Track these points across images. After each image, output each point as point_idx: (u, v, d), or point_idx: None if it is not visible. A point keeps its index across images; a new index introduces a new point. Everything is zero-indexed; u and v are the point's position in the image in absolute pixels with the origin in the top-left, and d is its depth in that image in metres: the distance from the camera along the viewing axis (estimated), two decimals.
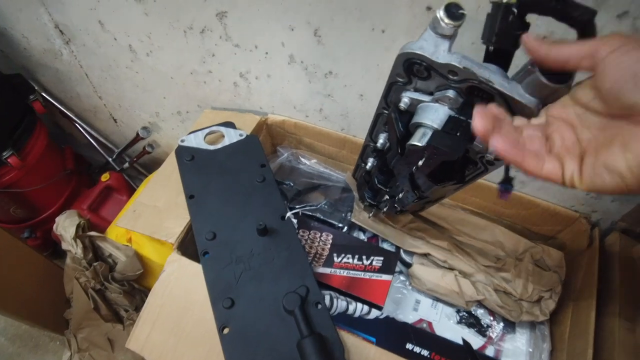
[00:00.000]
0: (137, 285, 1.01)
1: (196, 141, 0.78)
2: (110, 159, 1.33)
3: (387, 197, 0.66)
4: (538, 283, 0.73)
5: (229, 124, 0.81)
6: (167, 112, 1.05)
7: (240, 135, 0.78)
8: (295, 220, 0.66)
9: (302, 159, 0.88)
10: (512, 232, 0.79)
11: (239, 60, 0.77)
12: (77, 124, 1.31)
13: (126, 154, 1.33)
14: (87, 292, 1.03)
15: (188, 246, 0.71)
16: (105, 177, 1.25)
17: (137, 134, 1.12)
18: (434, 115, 0.41)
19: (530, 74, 0.34)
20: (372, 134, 0.58)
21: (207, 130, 0.79)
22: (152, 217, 0.73)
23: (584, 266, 0.68)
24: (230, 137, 0.78)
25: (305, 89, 0.75)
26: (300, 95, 0.78)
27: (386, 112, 0.50)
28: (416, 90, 0.43)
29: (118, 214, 1.16)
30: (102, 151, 1.34)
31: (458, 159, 0.45)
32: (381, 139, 0.55)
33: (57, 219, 1.02)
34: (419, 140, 0.41)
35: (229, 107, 0.90)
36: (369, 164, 0.65)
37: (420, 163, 0.42)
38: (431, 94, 0.42)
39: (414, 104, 0.43)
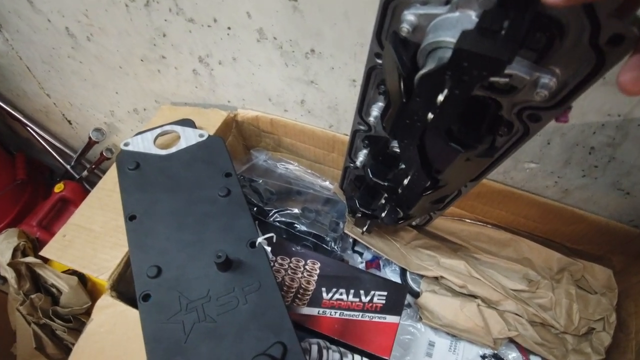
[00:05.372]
0: (86, 320, 0.84)
1: (144, 144, 0.61)
2: (68, 166, 1.16)
3: (385, 197, 0.49)
4: (585, 311, 0.57)
5: (187, 122, 0.64)
6: (123, 110, 0.88)
7: (201, 136, 0.61)
8: (269, 248, 0.50)
9: (282, 164, 0.71)
10: (540, 246, 0.63)
11: (195, 39, 0.60)
12: (28, 128, 1.13)
13: (85, 160, 1.15)
14: (30, 326, 0.86)
15: (130, 282, 0.54)
16: (59, 187, 1.07)
17: (90, 138, 0.95)
18: (455, 29, 0.25)
19: None
20: (362, 111, 0.42)
21: (158, 131, 0.62)
22: (84, 245, 0.56)
23: None
24: (188, 138, 0.61)
25: (281, 74, 0.59)
26: (275, 84, 0.61)
27: (380, 63, 0.35)
28: (423, 3, 0.28)
29: None
30: (58, 157, 1.17)
31: (490, 107, 0.30)
32: (375, 111, 0.40)
33: None
34: (437, 63, 0.26)
35: (191, 101, 0.73)
36: (360, 159, 0.49)
37: (440, 98, 0.26)
38: (447, 2, 0.27)
39: (422, 26, 0.28)
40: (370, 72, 0.36)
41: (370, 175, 0.44)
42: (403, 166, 0.39)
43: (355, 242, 0.68)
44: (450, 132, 0.29)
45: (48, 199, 1.09)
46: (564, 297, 0.57)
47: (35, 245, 0.93)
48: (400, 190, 0.41)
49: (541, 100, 0.27)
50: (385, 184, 0.44)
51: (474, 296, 0.59)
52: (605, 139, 0.47)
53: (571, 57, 0.26)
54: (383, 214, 0.52)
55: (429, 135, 0.32)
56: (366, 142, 0.45)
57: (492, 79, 0.26)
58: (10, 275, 0.78)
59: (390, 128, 0.34)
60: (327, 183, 0.71)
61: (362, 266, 0.67)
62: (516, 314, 0.56)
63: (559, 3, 0.19)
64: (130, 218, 0.53)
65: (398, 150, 0.44)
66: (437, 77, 0.25)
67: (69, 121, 1.07)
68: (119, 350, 0.47)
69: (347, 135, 0.63)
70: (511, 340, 0.59)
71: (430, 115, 0.28)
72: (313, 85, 0.58)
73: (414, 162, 0.35)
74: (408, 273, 0.63)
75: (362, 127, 0.43)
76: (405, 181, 0.39)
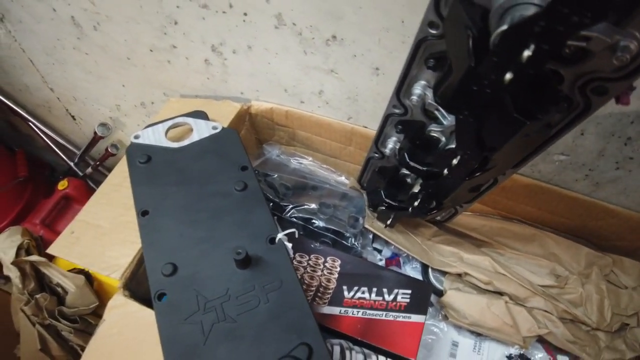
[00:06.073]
0: (94, 321, 0.82)
1: (155, 137, 0.59)
2: (72, 164, 1.13)
3: (420, 184, 0.47)
4: (617, 306, 0.55)
5: (199, 114, 0.61)
6: (129, 104, 0.85)
7: (214, 128, 0.59)
8: (289, 245, 0.47)
9: (295, 159, 0.68)
10: (567, 240, 0.61)
11: (209, 27, 0.57)
12: (30, 123, 1.11)
13: (89, 157, 1.13)
14: (35, 327, 0.83)
15: (141, 282, 0.52)
16: (62, 184, 1.05)
17: (95, 133, 0.92)
18: None
19: None
20: (402, 91, 0.40)
21: (169, 123, 0.60)
22: (92, 242, 0.54)
23: None
24: (201, 130, 0.59)
25: (299, 63, 0.56)
26: (292, 73, 0.58)
27: (434, 33, 0.32)
28: None
29: None
30: (61, 154, 1.14)
31: (550, 81, 0.29)
32: (417, 89, 0.38)
33: None
34: (519, 16, 0.23)
35: (202, 93, 0.71)
36: (390, 146, 0.47)
37: (527, 53, 0.23)
38: None
39: None
40: (419, 45, 0.34)
41: (408, 160, 0.42)
42: (450, 145, 0.37)
43: (373, 238, 0.66)
44: (515, 103, 0.27)
45: (51, 196, 1.06)
46: (595, 293, 0.54)
47: (39, 244, 0.91)
48: (446, 172, 0.39)
49: (617, 67, 0.25)
50: (424, 168, 0.42)
51: (500, 293, 0.56)
52: None
53: None
54: (416, 203, 0.49)
55: (491, 105, 0.30)
56: (400, 127, 0.43)
57: (570, 42, 0.24)
58: (14, 274, 0.76)
59: (450, 99, 0.32)
60: (342, 178, 0.68)
61: (381, 264, 0.64)
62: (545, 311, 0.54)
63: None
64: (142, 213, 0.51)
65: (436, 134, 0.42)
66: (525, 31, 0.23)
67: (73, 116, 1.04)
68: (130, 353, 0.45)
69: (366, 127, 0.61)
70: (538, 340, 0.57)
71: (508, 76, 0.26)
72: (332, 74, 0.55)
73: (469, 139, 0.33)
74: (430, 271, 0.60)
75: (397, 111, 0.41)
76: (455, 161, 0.36)
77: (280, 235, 0.47)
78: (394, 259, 0.64)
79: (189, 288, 0.45)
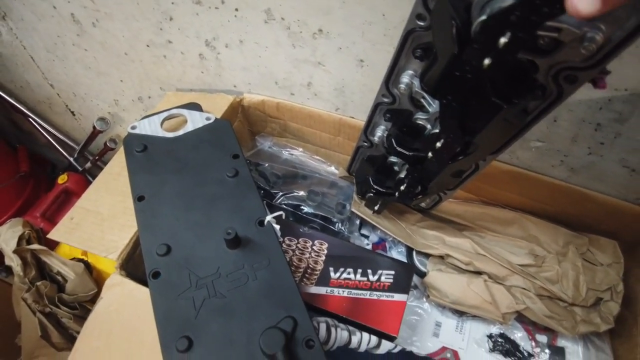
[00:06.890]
0: (92, 308, 0.84)
1: (151, 127, 0.61)
2: (71, 159, 1.16)
3: (406, 169, 0.50)
4: (592, 282, 0.57)
5: (193, 106, 0.64)
6: (127, 99, 0.88)
7: (208, 119, 0.62)
8: (277, 227, 0.50)
9: (287, 150, 0.71)
10: (546, 222, 0.63)
11: (202, 22, 0.60)
12: (31, 119, 1.13)
13: (88, 152, 1.16)
14: (36, 315, 0.86)
15: (137, 264, 0.54)
16: (62, 179, 1.08)
17: (94, 127, 0.95)
18: None
19: None
20: (390, 81, 0.42)
21: (165, 114, 0.62)
22: (92, 227, 0.57)
23: None
24: (195, 121, 0.62)
25: (288, 56, 0.59)
26: (282, 66, 0.61)
27: (421, 25, 0.35)
28: None
29: None
30: (61, 149, 1.17)
31: (527, 71, 0.32)
32: (405, 78, 0.40)
33: None
34: (497, 7, 0.26)
35: (197, 87, 0.74)
36: (379, 134, 0.50)
37: (504, 40, 0.27)
38: None
39: None
40: (408, 36, 0.37)
41: (395, 145, 0.45)
42: (435, 130, 0.40)
43: (361, 225, 0.68)
44: (494, 89, 0.30)
45: (51, 190, 1.09)
46: (571, 270, 0.57)
47: (40, 236, 0.93)
48: (430, 155, 0.42)
49: (585, 57, 0.28)
50: (411, 153, 0.45)
51: (480, 273, 0.59)
52: (612, 115, 0.47)
53: (620, 13, 0.26)
54: (402, 187, 0.52)
55: (473, 91, 0.32)
56: (388, 115, 0.45)
57: (542, 32, 0.27)
58: (15, 262, 0.78)
59: (435, 85, 0.35)
60: (332, 168, 0.71)
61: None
62: (523, 288, 0.56)
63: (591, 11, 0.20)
64: (138, 199, 0.53)
65: (422, 122, 0.45)
66: (502, 20, 0.26)
67: (72, 112, 1.07)
68: (128, 330, 0.47)
69: (353, 117, 0.63)
70: (517, 320, 0.59)
71: (486, 61, 0.29)
72: (320, 66, 0.58)
73: (452, 123, 0.36)
74: (414, 254, 0.63)
75: (386, 100, 0.43)
76: (439, 144, 0.39)
77: (268, 218, 0.50)
78: (380, 244, 0.66)
79: (182, 267, 0.48)
